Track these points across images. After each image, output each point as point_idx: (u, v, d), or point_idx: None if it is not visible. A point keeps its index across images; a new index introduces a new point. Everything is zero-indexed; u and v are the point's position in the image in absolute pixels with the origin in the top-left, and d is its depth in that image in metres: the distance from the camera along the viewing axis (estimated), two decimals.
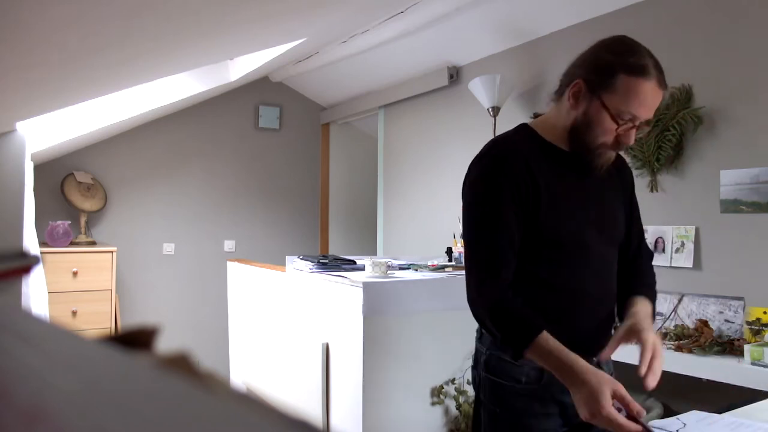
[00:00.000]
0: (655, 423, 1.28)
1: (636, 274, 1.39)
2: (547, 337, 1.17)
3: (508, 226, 1.24)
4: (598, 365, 1.29)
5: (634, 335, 1.22)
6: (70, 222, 3.89)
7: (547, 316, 1.24)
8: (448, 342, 2.48)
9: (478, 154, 1.33)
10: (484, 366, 1.33)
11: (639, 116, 1.20)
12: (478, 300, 1.25)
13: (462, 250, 3.39)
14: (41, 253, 3.43)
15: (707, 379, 2.02)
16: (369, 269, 2.54)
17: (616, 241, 1.35)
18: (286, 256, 3.19)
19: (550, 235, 1.26)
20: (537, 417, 1.28)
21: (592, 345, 1.30)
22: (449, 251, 3.52)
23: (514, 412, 1.29)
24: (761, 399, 1.47)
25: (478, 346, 1.38)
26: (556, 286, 1.27)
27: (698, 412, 1.33)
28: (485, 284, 1.24)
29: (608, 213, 1.34)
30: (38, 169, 3.52)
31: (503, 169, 1.26)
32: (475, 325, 1.35)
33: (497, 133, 3.16)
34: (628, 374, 1.38)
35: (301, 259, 2.93)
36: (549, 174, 1.27)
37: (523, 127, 1.36)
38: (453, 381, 2.47)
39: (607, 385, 1.11)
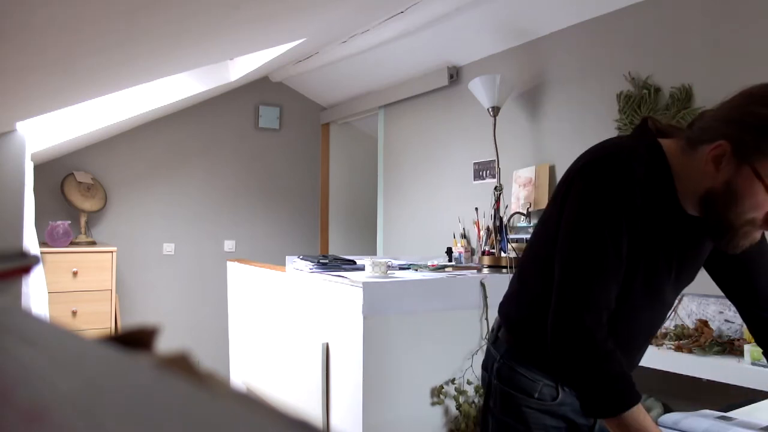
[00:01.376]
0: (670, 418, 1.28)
1: None
2: (639, 411, 1.02)
3: (620, 264, 1.06)
4: None
5: None
6: (70, 222, 3.89)
7: None
8: (448, 342, 2.48)
9: (603, 159, 1.08)
10: (496, 374, 1.27)
11: None
12: (576, 336, 1.05)
13: (462, 250, 3.40)
14: (41, 253, 3.43)
15: (707, 379, 2.02)
16: (369, 269, 2.54)
17: (686, 285, 1.22)
18: (286, 256, 3.19)
19: (628, 279, 1.09)
20: (548, 429, 1.23)
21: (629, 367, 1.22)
22: (449, 251, 3.52)
23: (525, 423, 1.22)
24: (761, 399, 1.47)
25: (491, 349, 1.30)
26: (616, 322, 1.11)
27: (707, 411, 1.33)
28: (586, 321, 1.05)
29: (693, 261, 1.19)
30: (38, 169, 3.52)
31: (628, 195, 1.04)
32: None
33: (497, 133, 3.17)
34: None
35: (301, 259, 2.93)
36: (660, 226, 1.08)
37: (657, 150, 1.08)
38: (453, 381, 2.47)
39: None
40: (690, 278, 1.21)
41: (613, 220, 1.04)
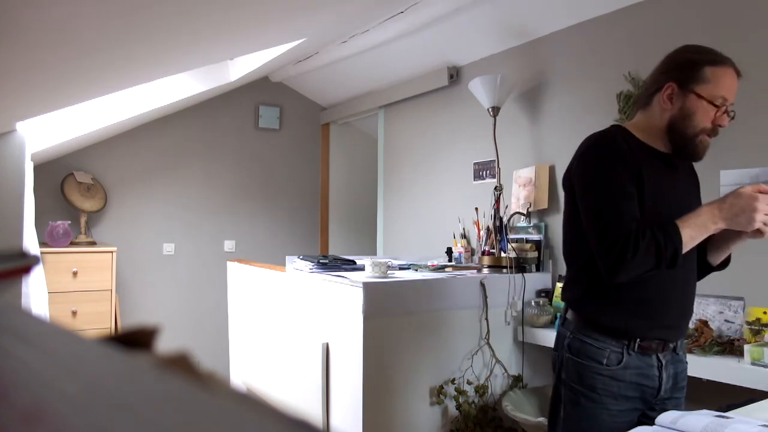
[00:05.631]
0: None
1: None
2: (686, 231, 1.33)
3: (629, 203, 1.36)
4: (674, 351, 1.48)
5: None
6: (70, 222, 3.89)
7: (641, 299, 1.42)
8: (448, 342, 2.48)
9: (587, 147, 1.46)
10: (567, 348, 1.49)
11: (728, 99, 1.39)
12: (619, 247, 1.33)
13: (462, 250, 3.40)
14: (41, 253, 3.43)
15: (707, 379, 2.02)
16: (369, 269, 2.54)
17: None
18: (286, 256, 3.19)
19: (648, 221, 1.37)
20: (616, 397, 1.42)
21: (679, 326, 1.48)
22: (449, 251, 3.52)
23: (594, 390, 1.43)
24: (761, 399, 1.47)
25: (560, 330, 1.54)
26: (651, 279, 1.39)
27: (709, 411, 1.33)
28: (619, 231, 1.33)
29: (691, 206, 1.45)
30: (38, 169, 3.52)
31: (618, 154, 1.39)
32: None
33: (497, 134, 3.17)
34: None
35: (301, 259, 2.93)
36: (648, 166, 1.41)
37: (617, 127, 1.51)
38: (453, 381, 2.47)
39: (744, 189, 1.32)
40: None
41: (613, 172, 1.38)
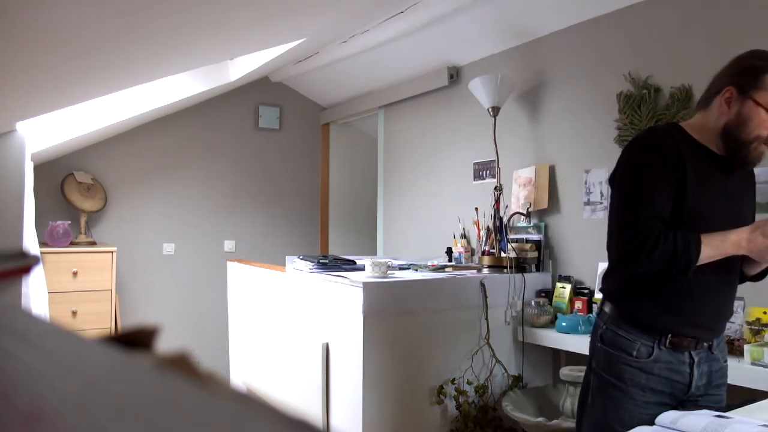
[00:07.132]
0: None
1: None
2: (708, 247, 1.36)
3: (658, 200, 1.40)
4: (710, 350, 1.50)
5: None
6: (70, 222, 3.89)
7: (676, 296, 1.44)
8: (448, 342, 2.48)
9: (633, 139, 1.50)
10: (600, 338, 1.52)
11: None
12: (635, 241, 1.37)
13: (462, 250, 3.40)
14: (41, 253, 3.43)
15: None
16: (369, 269, 2.54)
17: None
18: (286, 256, 3.19)
19: (688, 220, 1.40)
20: (643, 389, 1.44)
21: (713, 327, 1.49)
22: (449, 251, 3.52)
23: (621, 379, 1.46)
24: (761, 399, 1.47)
25: (596, 320, 1.58)
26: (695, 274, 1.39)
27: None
28: (637, 228, 1.37)
29: (742, 211, 1.51)
30: (38, 169, 3.52)
31: (660, 150, 1.42)
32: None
33: (497, 134, 3.18)
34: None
35: (301, 259, 2.93)
36: (696, 165, 1.43)
37: (674, 124, 1.54)
38: (453, 381, 2.47)
39: (763, 223, 1.34)
40: (742, 225, 1.47)
41: (649, 169, 1.42)
